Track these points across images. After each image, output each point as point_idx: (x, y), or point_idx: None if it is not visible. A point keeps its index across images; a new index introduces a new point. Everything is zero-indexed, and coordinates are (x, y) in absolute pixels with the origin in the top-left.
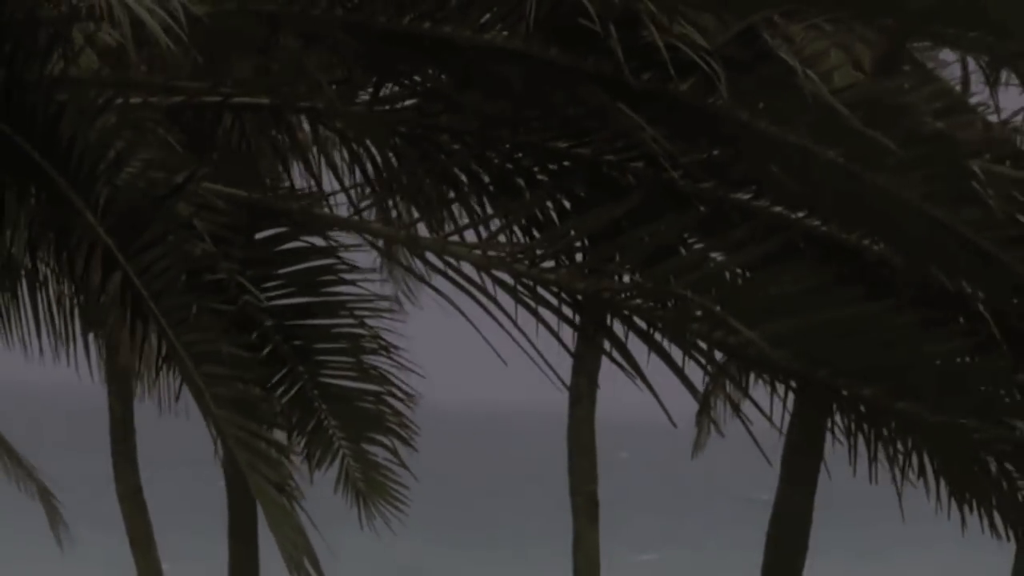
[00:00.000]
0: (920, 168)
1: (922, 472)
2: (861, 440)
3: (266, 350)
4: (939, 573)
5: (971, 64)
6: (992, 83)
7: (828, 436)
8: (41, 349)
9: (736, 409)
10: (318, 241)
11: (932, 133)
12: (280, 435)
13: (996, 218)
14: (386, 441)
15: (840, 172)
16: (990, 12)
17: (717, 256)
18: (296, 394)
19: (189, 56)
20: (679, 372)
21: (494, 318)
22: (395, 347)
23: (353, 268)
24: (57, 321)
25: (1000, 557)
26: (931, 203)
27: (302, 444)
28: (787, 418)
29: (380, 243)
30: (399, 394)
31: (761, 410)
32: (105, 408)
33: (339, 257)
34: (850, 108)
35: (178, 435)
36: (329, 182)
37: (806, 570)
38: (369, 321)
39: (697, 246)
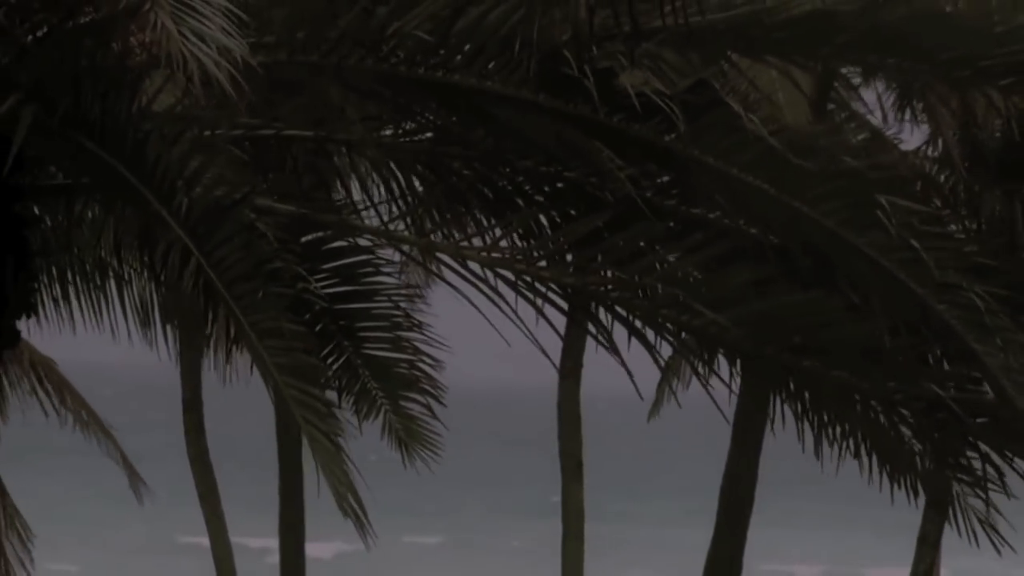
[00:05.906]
0: (836, 199)
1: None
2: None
3: (318, 328)
4: None
5: (887, 101)
6: (903, 112)
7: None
8: (130, 334)
9: (701, 379)
10: (359, 242)
11: (848, 170)
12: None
13: (895, 243)
14: (420, 399)
15: (771, 200)
16: (905, 42)
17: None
18: (343, 363)
19: (248, 97)
20: (651, 349)
21: (498, 307)
22: (425, 324)
23: (388, 262)
24: (140, 311)
25: None
26: (846, 228)
27: (351, 401)
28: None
29: (404, 247)
30: (429, 362)
31: (722, 379)
32: (178, 384)
33: (374, 253)
34: (783, 147)
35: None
36: (362, 199)
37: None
38: (401, 304)
39: (661, 250)
